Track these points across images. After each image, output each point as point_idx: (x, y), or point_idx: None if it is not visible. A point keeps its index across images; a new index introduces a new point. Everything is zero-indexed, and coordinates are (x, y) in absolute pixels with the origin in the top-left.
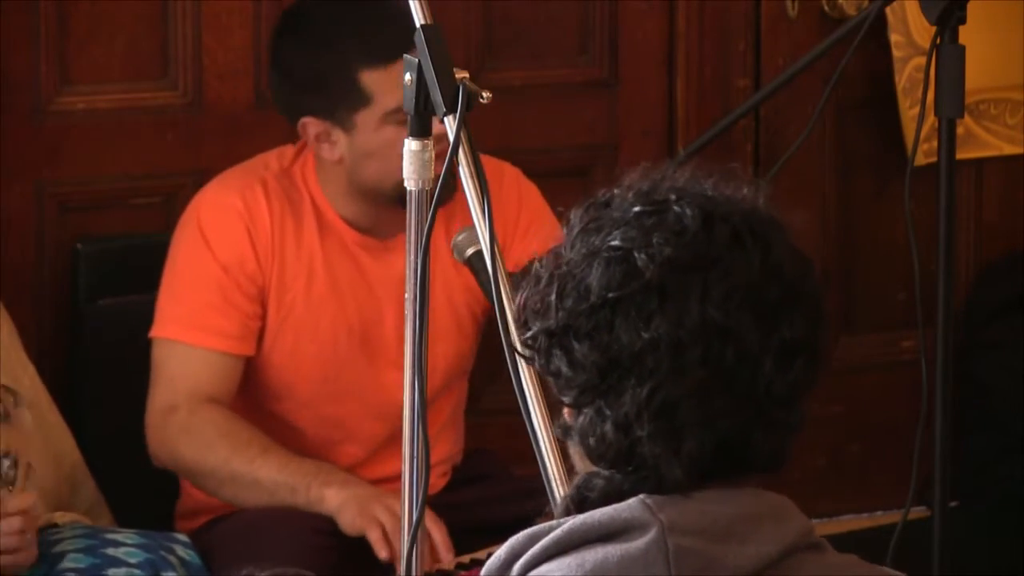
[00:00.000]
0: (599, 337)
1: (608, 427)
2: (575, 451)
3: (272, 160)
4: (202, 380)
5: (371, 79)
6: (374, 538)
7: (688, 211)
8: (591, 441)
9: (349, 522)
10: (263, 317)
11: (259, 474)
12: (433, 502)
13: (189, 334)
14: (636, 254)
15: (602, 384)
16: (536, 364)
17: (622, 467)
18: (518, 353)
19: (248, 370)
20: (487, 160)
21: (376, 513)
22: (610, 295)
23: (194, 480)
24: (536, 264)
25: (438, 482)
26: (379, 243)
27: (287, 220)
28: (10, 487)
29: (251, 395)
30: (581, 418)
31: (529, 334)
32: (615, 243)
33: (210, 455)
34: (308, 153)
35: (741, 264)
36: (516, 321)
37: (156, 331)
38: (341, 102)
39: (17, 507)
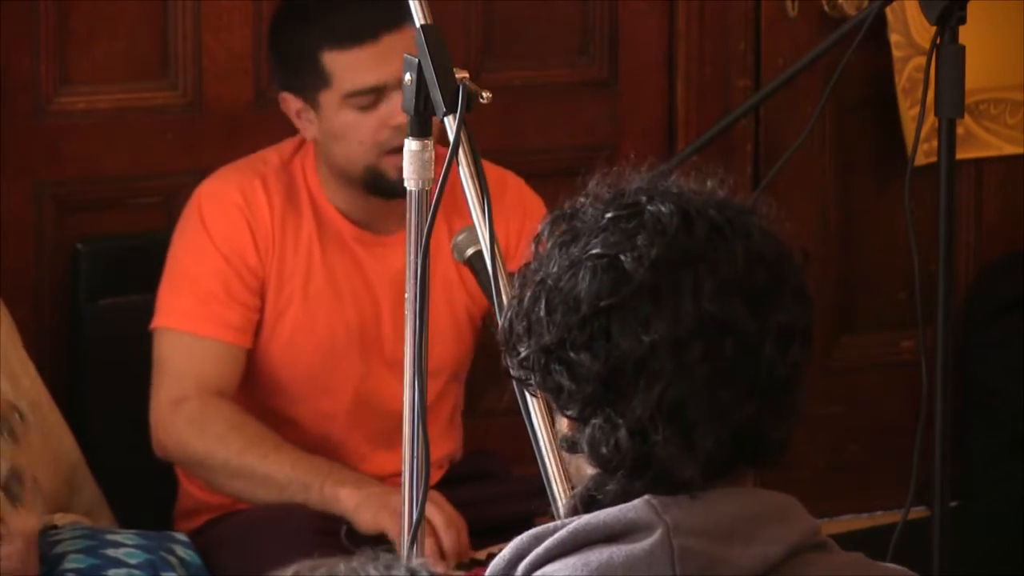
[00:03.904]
0: (597, 347)
1: (622, 434)
2: (578, 462)
3: (271, 155)
4: (209, 371)
5: (330, 60)
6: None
7: (664, 209)
8: (604, 451)
9: (370, 520)
10: (261, 311)
11: (271, 470)
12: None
13: (194, 324)
14: (622, 258)
15: (607, 393)
16: (532, 383)
17: (639, 473)
18: (510, 376)
19: (245, 364)
20: (489, 167)
21: (399, 509)
22: (602, 303)
23: (202, 473)
24: (514, 285)
25: (434, 475)
26: (377, 239)
27: (287, 215)
28: (17, 505)
29: (247, 389)
30: (589, 429)
31: (523, 354)
32: (597, 251)
33: (222, 448)
34: (307, 147)
35: (725, 255)
36: (503, 344)
37: (159, 321)
38: (307, 80)
39: (21, 529)
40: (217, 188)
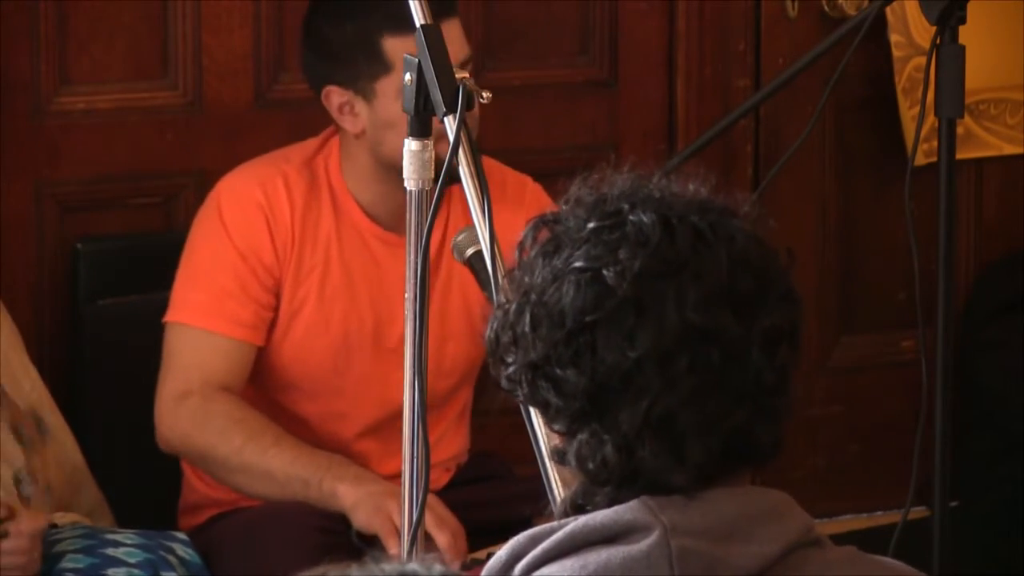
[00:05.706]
0: (583, 362)
1: (608, 450)
2: (570, 471)
3: (294, 153)
4: (216, 367)
5: (392, 46)
6: (390, 543)
7: (645, 218)
8: (590, 466)
9: (364, 520)
10: (276, 308)
11: (271, 465)
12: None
13: (205, 320)
14: (605, 272)
15: (594, 408)
16: (520, 396)
17: (628, 485)
18: (500, 387)
19: (256, 359)
20: (511, 173)
21: (392, 513)
22: (587, 318)
23: (204, 467)
24: (499, 296)
25: (441, 477)
26: (398, 238)
27: (307, 214)
28: (26, 504)
29: (257, 384)
30: (576, 444)
31: (510, 370)
32: (580, 264)
33: (223, 443)
34: (332, 145)
35: (709, 262)
36: (491, 355)
37: (172, 315)
38: (363, 70)
39: (30, 528)
40: (238, 183)
